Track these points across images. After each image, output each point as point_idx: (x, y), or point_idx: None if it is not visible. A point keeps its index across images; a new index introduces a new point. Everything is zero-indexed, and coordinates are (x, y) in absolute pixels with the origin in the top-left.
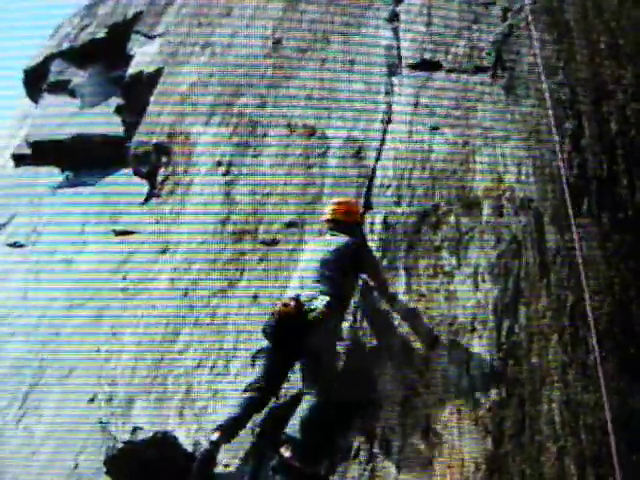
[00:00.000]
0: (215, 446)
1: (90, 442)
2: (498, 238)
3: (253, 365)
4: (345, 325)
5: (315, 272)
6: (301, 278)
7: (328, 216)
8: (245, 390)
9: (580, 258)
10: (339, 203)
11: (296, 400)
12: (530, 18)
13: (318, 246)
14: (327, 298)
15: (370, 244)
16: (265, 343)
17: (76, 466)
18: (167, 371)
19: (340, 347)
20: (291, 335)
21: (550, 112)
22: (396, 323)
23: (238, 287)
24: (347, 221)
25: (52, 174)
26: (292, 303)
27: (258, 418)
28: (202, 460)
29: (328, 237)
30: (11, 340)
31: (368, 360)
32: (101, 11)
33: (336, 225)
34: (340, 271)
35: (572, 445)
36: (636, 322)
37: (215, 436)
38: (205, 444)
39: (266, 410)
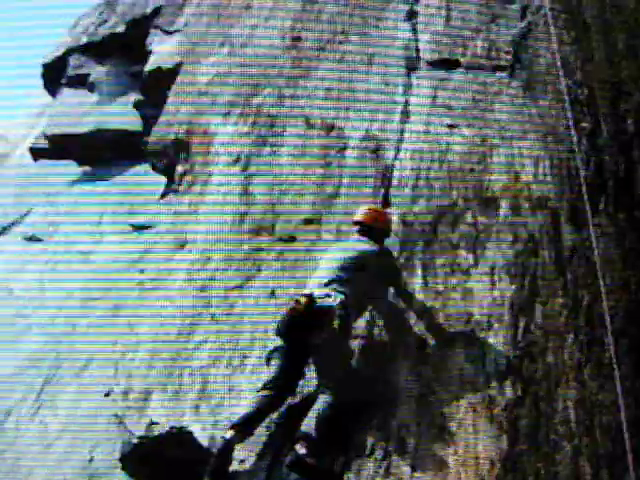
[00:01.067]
0: (230, 444)
1: (105, 436)
2: (515, 236)
3: (268, 364)
4: (361, 323)
5: (334, 272)
6: (320, 278)
7: (358, 217)
8: (260, 389)
9: (597, 257)
10: (372, 209)
11: (312, 397)
12: (550, 15)
13: (341, 247)
14: (341, 296)
15: (387, 242)
16: (279, 342)
17: (91, 460)
18: (183, 366)
19: (355, 345)
20: (304, 332)
21: (568, 109)
22: (412, 321)
23: (255, 283)
24: (376, 227)
25: (70, 168)
26: (303, 300)
27: (274, 416)
28: (218, 458)
29: (353, 240)
30: (28, 333)
31: (384, 358)
32: (120, 6)
33: (363, 228)
34: (359, 275)
35: (587, 444)
36: None
37: (230, 434)
38: (220, 442)
39: (282, 407)
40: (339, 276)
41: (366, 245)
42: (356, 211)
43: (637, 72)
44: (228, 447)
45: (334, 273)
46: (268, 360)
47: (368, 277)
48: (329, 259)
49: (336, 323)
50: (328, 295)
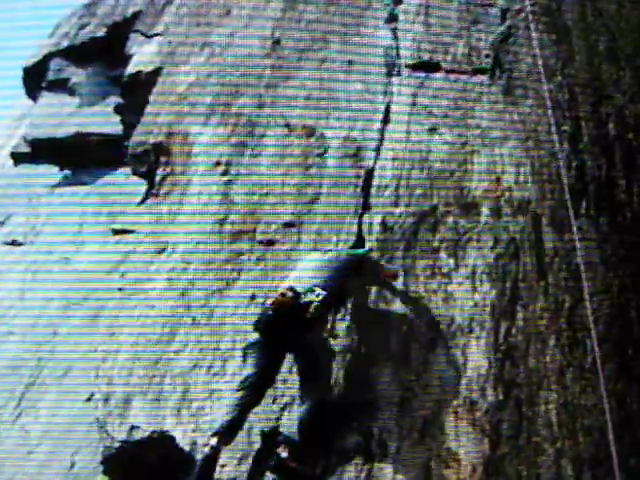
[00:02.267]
0: (215, 451)
1: (87, 442)
2: (496, 240)
3: (244, 359)
4: (342, 326)
5: (313, 272)
6: (298, 277)
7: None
8: (238, 389)
9: (581, 260)
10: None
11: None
12: (530, 19)
13: (318, 252)
14: (324, 292)
15: (368, 245)
16: (255, 337)
17: (72, 465)
18: (164, 371)
19: (338, 347)
20: (285, 328)
21: (550, 113)
22: (393, 324)
23: (235, 287)
24: None
25: (50, 173)
26: (289, 293)
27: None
28: (203, 465)
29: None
30: (8, 339)
31: (365, 361)
32: (100, 10)
33: None
34: (339, 274)
35: (569, 447)
36: (634, 325)
37: (214, 441)
38: (205, 449)
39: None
40: (319, 276)
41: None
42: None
43: (618, 75)
44: (213, 454)
45: (314, 273)
46: (244, 355)
47: (350, 277)
48: (308, 260)
49: (312, 314)
50: (312, 291)
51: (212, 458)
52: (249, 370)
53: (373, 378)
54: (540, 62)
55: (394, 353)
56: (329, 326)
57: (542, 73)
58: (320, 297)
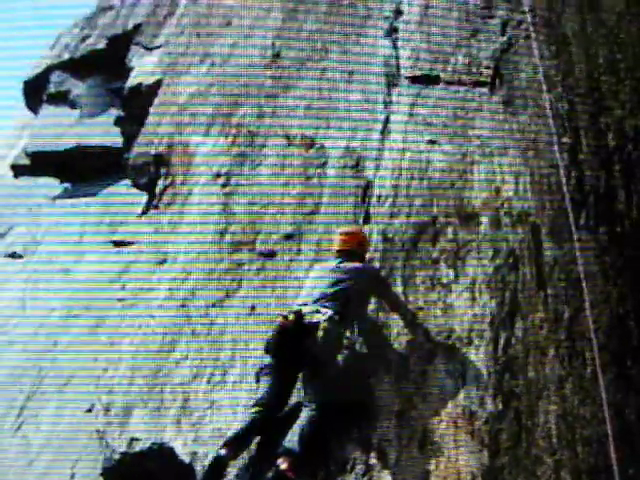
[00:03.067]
0: (223, 460)
1: (87, 452)
2: (495, 251)
3: (258, 382)
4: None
5: (321, 290)
6: (307, 296)
7: (339, 247)
8: (252, 406)
9: (581, 271)
10: (348, 233)
11: (294, 411)
12: (531, 30)
13: (327, 266)
14: (329, 312)
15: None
16: (268, 360)
17: (73, 476)
18: (164, 381)
19: (339, 358)
20: (292, 349)
21: (549, 124)
22: (393, 335)
23: (235, 298)
24: (359, 250)
25: (51, 185)
26: (291, 316)
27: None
28: (210, 474)
29: (337, 260)
30: (9, 349)
31: (365, 372)
32: (101, 22)
33: (348, 256)
34: (347, 292)
35: (568, 458)
36: (632, 335)
37: (223, 451)
38: (211, 458)
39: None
40: (327, 293)
41: (350, 264)
42: (334, 236)
43: (618, 87)
44: (221, 464)
45: (321, 291)
46: (258, 378)
47: (356, 293)
48: (315, 277)
49: (321, 336)
50: (318, 311)
51: (220, 467)
52: (262, 393)
53: (373, 388)
54: (540, 73)
55: (393, 363)
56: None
57: (542, 84)
58: (326, 316)
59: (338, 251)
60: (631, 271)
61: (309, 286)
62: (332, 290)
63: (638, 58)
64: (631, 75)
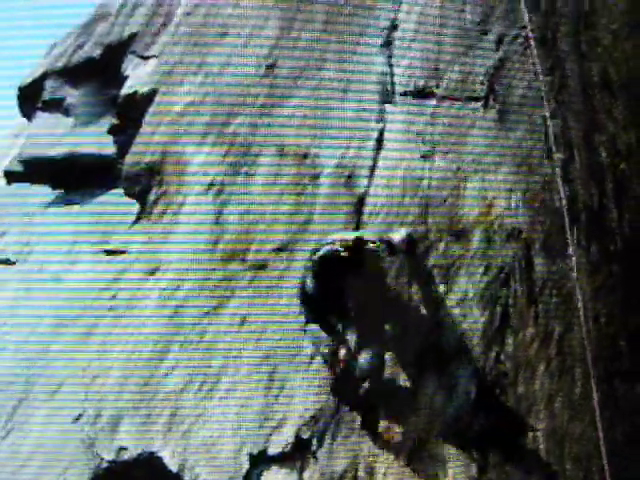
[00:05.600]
0: None
1: (76, 460)
2: (487, 266)
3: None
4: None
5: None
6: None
7: None
8: None
9: (577, 288)
10: None
11: None
12: (526, 46)
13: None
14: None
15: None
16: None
17: None
18: (154, 391)
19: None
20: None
21: (542, 140)
22: (384, 347)
23: (227, 309)
24: None
25: (44, 192)
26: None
27: None
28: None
29: None
30: (0, 356)
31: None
32: (97, 30)
33: None
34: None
35: (557, 474)
36: (622, 354)
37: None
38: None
39: None
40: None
41: None
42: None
43: (611, 104)
44: None
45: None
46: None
47: None
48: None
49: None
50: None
51: None
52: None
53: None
54: (533, 91)
55: (384, 377)
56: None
57: (536, 100)
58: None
59: None
60: (622, 290)
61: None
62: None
63: (632, 76)
64: (625, 92)
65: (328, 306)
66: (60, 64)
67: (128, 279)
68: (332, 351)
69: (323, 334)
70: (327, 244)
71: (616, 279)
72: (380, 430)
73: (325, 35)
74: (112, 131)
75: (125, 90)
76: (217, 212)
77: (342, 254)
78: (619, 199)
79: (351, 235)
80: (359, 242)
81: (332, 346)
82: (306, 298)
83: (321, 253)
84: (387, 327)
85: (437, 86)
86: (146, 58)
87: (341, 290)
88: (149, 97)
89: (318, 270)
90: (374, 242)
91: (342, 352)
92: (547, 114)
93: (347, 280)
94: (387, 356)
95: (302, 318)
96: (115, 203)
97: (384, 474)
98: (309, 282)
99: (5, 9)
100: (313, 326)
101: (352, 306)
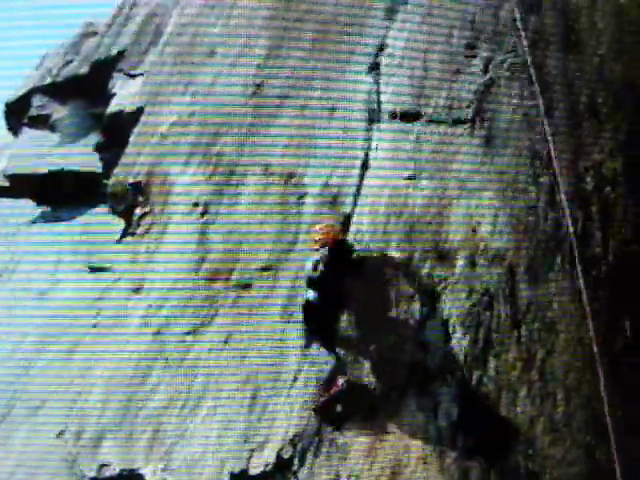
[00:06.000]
0: None
1: (58, 476)
2: (471, 289)
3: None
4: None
5: None
6: None
7: None
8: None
9: (588, 308)
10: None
11: None
12: (513, 70)
13: None
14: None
15: None
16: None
17: None
18: (137, 409)
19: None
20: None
21: (528, 164)
22: (367, 366)
23: (210, 329)
24: None
25: (29, 208)
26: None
27: None
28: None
29: None
30: None
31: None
32: (85, 48)
33: None
34: None
35: None
36: (604, 378)
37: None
38: None
39: None
40: None
41: None
42: None
43: (598, 130)
44: None
45: None
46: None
47: None
48: None
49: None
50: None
51: None
52: None
53: (343, 423)
54: (519, 115)
55: (365, 397)
56: None
57: (522, 124)
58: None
59: None
60: (605, 315)
61: None
62: None
63: (619, 102)
64: (612, 118)
65: (331, 314)
66: (47, 80)
67: (112, 297)
68: (329, 376)
69: (321, 357)
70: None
71: (600, 304)
72: (361, 447)
73: (313, 56)
74: (98, 148)
75: (112, 108)
76: (202, 232)
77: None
78: (604, 224)
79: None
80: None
81: (330, 371)
82: (309, 310)
83: (317, 258)
84: (382, 337)
85: (424, 109)
86: (133, 76)
87: (342, 294)
88: (136, 115)
89: (318, 277)
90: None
91: (340, 381)
92: (533, 139)
93: (347, 282)
94: (369, 376)
95: (292, 339)
96: (100, 221)
97: None
98: (310, 293)
99: (5, 9)
100: (312, 349)
101: (352, 311)
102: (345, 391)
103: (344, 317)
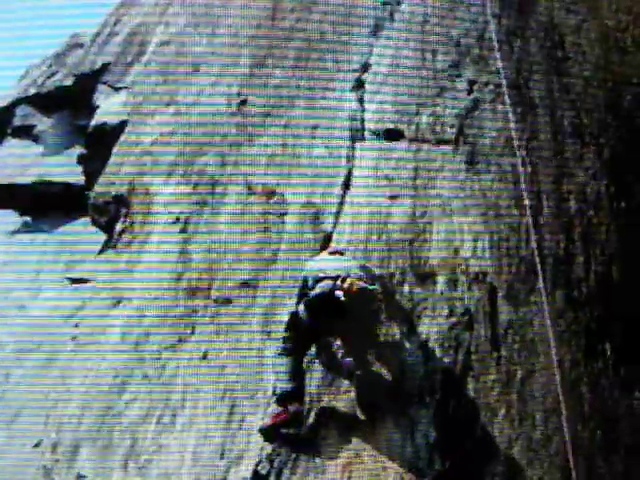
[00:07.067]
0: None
1: None
2: (451, 310)
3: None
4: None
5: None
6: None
7: None
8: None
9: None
10: None
11: None
12: (497, 92)
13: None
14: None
15: None
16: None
17: None
18: (114, 422)
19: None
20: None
21: (521, 181)
22: (344, 385)
23: (188, 344)
24: None
25: (10, 218)
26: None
27: None
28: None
29: None
30: None
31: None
32: (70, 59)
33: None
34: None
35: None
36: (583, 400)
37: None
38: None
39: None
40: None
41: None
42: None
43: (581, 152)
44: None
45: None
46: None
47: None
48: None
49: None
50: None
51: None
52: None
53: (320, 440)
54: (503, 136)
55: (342, 416)
56: None
57: (505, 146)
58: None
59: None
60: (585, 337)
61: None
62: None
63: (603, 125)
64: (595, 141)
65: (320, 330)
66: (32, 91)
67: (92, 308)
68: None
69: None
70: (321, 280)
71: (580, 326)
72: (338, 467)
73: (296, 74)
74: (81, 160)
75: (95, 120)
76: (182, 246)
77: (341, 299)
78: (586, 247)
79: (340, 270)
80: (353, 285)
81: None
82: (297, 325)
83: (318, 292)
84: (361, 357)
85: (407, 128)
86: (117, 89)
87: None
88: (119, 128)
89: (313, 305)
90: (369, 281)
91: (291, 409)
92: (517, 160)
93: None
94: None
95: (270, 355)
96: (82, 232)
97: None
98: (302, 311)
99: (5, 9)
100: (279, 360)
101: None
102: (290, 421)
103: (322, 338)
